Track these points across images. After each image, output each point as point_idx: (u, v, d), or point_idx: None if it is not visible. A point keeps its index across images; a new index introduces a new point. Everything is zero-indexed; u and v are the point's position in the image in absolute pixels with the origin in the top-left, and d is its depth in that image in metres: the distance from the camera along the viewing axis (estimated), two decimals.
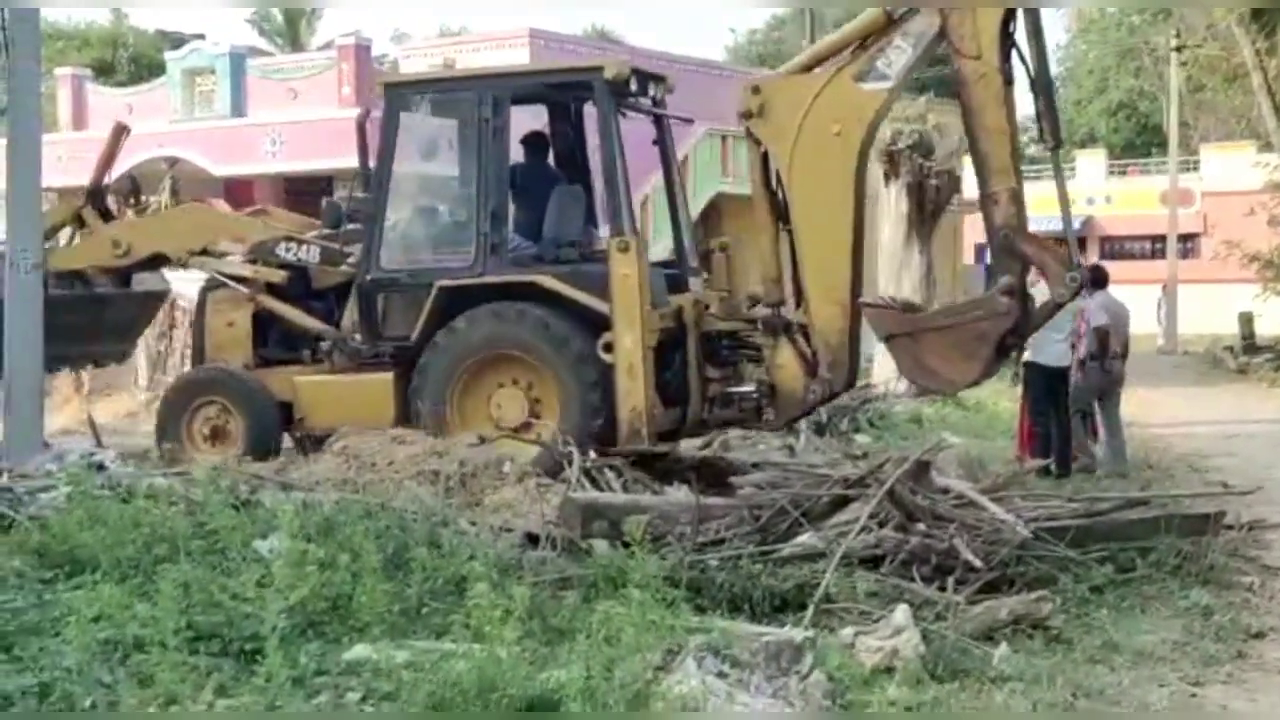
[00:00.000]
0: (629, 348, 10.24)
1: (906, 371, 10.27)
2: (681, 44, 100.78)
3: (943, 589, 7.04)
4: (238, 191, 24.09)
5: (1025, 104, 10.66)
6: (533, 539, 7.79)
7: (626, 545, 6.74)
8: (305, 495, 8.37)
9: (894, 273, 19.80)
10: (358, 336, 11.15)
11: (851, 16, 10.42)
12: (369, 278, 11.05)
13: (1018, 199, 9.34)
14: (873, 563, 7.29)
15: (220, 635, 5.71)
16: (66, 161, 22.25)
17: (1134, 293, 24.16)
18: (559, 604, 6.63)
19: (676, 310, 10.85)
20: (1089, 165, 48.85)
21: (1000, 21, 9.32)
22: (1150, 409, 17.98)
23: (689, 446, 11.28)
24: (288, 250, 11.68)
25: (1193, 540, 8.04)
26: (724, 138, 25.64)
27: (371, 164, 11.27)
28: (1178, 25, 38.23)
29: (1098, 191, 46.98)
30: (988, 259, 39.00)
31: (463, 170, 11.31)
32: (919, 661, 5.98)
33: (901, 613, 6.31)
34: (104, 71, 37.35)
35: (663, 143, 11.69)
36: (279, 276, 11.66)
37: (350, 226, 11.65)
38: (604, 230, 11.12)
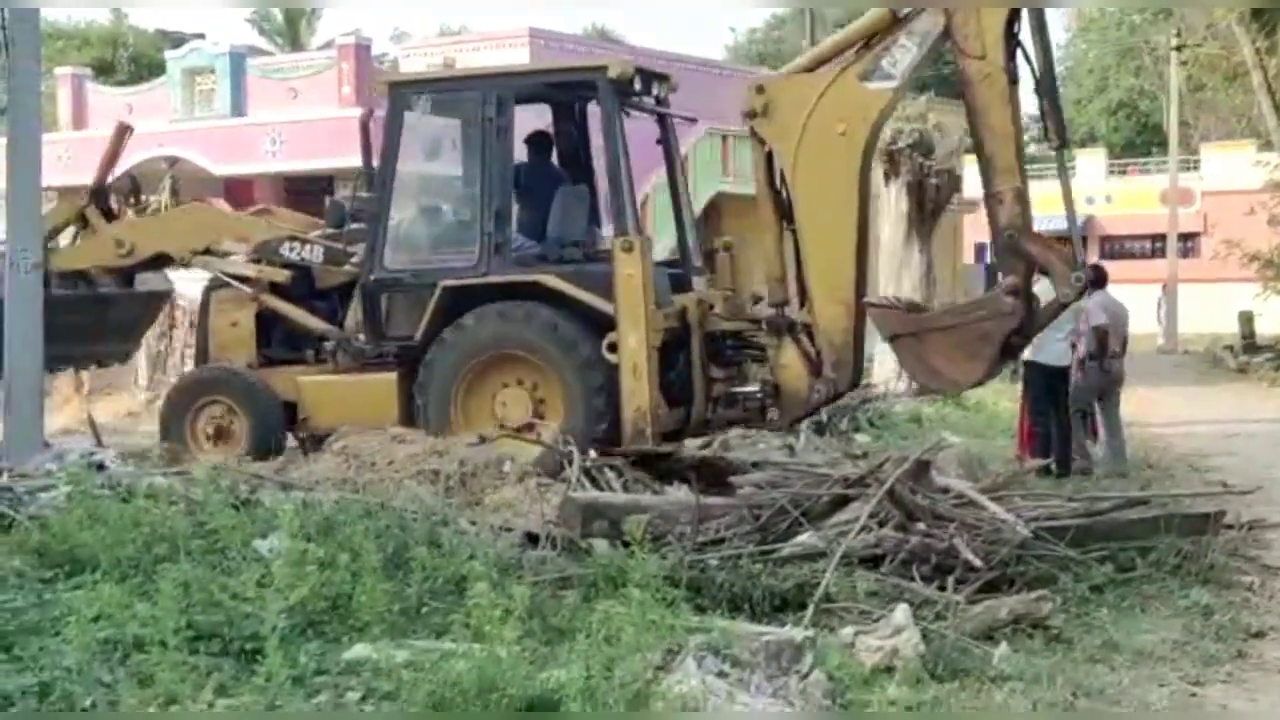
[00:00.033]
0: (633, 348, 10.24)
1: (911, 371, 10.28)
2: (681, 43, 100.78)
3: (943, 588, 7.04)
4: (238, 191, 24.10)
5: (1027, 104, 10.69)
6: (533, 538, 7.78)
7: (626, 545, 6.73)
8: (305, 495, 8.37)
9: (894, 272, 19.81)
10: (361, 336, 11.16)
11: (852, 16, 10.45)
12: (373, 277, 11.05)
13: (1023, 198, 9.34)
14: (873, 562, 7.29)
15: (220, 635, 5.71)
16: (66, 161, 22.29)
17: (1134, 292, 24.20)
18: (559, 603, 6.63)
19: (681, 310, 10.85)
20: (1089, 164, 48.84)
21: (1005, 21, 9.33)
22: (1150, 408, 17.97)
23: (688, 446, 11.27)
24: (291, 250, 11.69)
25: (1193, 540, 8.03)
26: (724, 137, 25.66)
27: (375, 163, 11.26)
28: (1178, 24, 38.24)
29: (1098, 191, 46.96)
30: (988, 258, 39.04)
31: (466, 170, 11.32)
32: (919, 661, 5.98)
33: (901, 612, 6.31)
34: (104, 71, 37.36)
35: (667, 142, 11.69)
36: (283, 276, 11.67)
37: (354, 226, 11.65)
38: (608, 230, 11.12)
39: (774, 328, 10.43)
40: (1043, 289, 9.70)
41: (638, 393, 10.23)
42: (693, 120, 13.18)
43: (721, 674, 5.54)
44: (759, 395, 10.71)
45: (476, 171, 10.89)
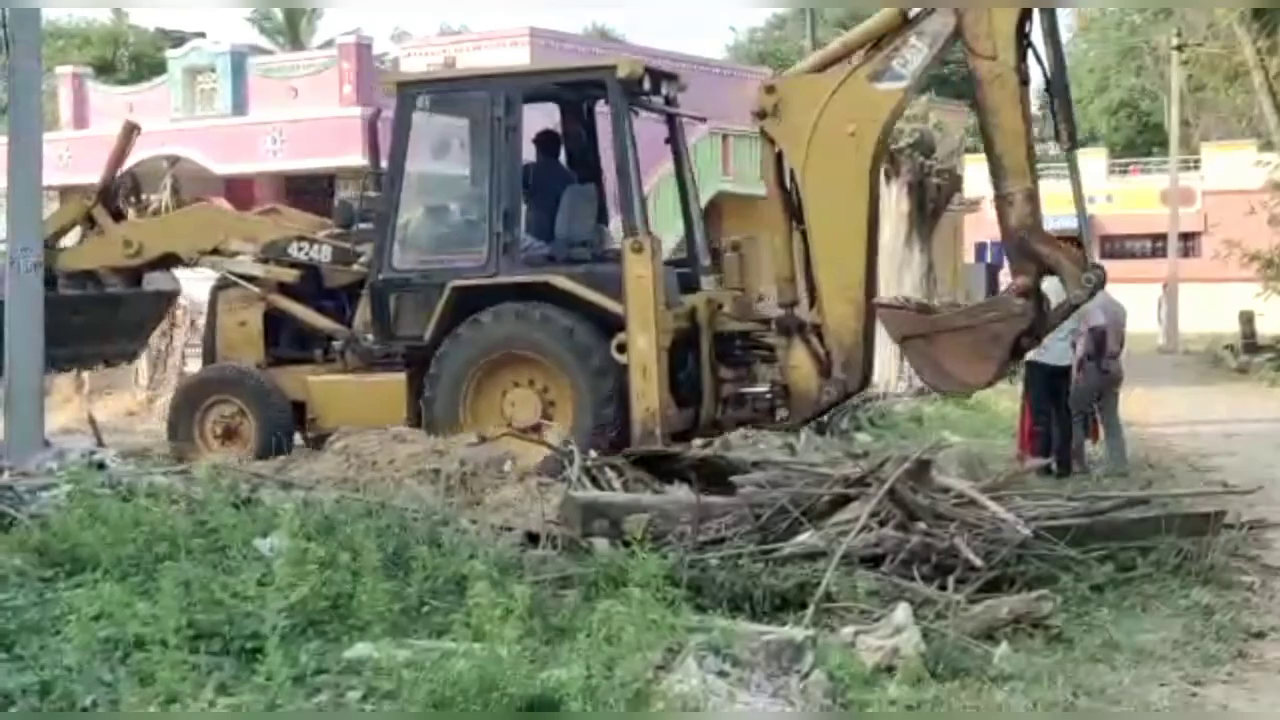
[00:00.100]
0: (643, 348, 10.22)
1: (921, 372, 10.27)
2: (682, 43, 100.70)
3: (943, 588, 7.04)
4: (238, 190, 24.09)
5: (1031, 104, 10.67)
6: (533, 538, 7.79)
7: (627, 544, 6.75)
8: (306, 494, 8.38)
9: (894, 272, 19.78)
10: (370, 336, 11.16)
11: (853, 15, 10.46)
12: (381, 277, 11.03)
13: (1033, 199, 9.34)
14: (873, 561, 7.29)
15: (221, 634, 5.71)
16: (67, 160, 22.28)
17: (1134, 292, 24.20)
18: (559, 603, 6.63)
19: (690, 310, 10.84)
20: (1090, 164, 48.54)
21: (1016, 21, 9.32)
22: (1151, 408, 17.98)
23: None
24: (299, 250, 11.68)
25: (1193, 540, 8.03)
26: (725, 136, 25.63)
27: (383, 163, 11.24)
28: (1179, 24, 38.23)
29: (1098, 190, 46.83)
30: (988, 257, 38.90)
31: (475, 170, 11.29)
32: (919, 660, 5.98)
33: (902, 611, 6.32)
34: (105, 70, 37.35)
35: (675, 142, 11.68)
36: (291, 276, 11.67)
37: (362, 226, 11.64)
38: (617, 229, 11.09)
39: (783, 328, 10.43)
40: (1050, 288, 9.70)
41: (647, 393, 10.22)
42: (702, 120, 13.18)
43: (722, 674, 5.54)
44: (768, 396, 10.70)
45: (485, 171, 10.88)
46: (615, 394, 10.29)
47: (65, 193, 17.63)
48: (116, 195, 12.77)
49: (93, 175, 12.82)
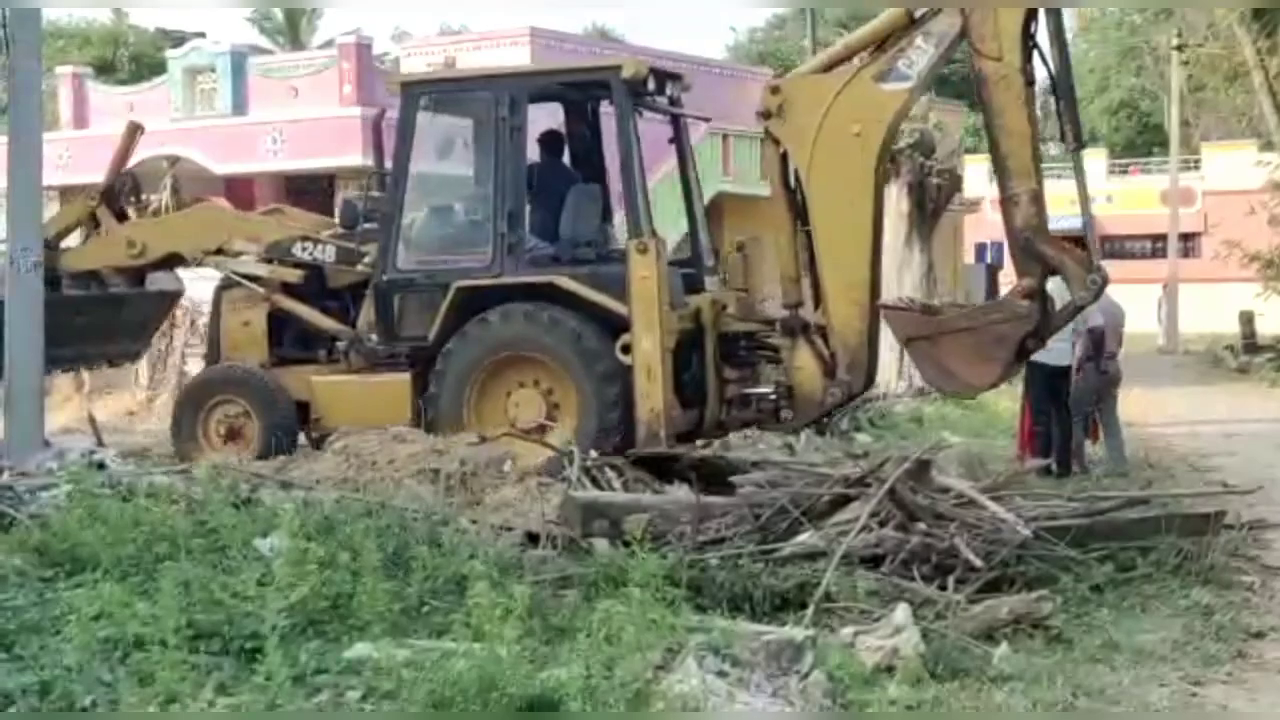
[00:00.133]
0: (647, 350, 10.21)
1: (925, 374, 10.28)
2: (682, 43, 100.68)
3: (943, 588, 7.04)
4: (238, 190, 24.08)
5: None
6: (533, 538, 7.79)
7: (627, 544, 6.75)
8: (306, 494, 8.38)
9: (894, 272, 19.75)
10: (374, 336, 11.15)
11: (854, 15, 10.48)
12: (385, 278, 11.03)
13: (1038, 200, 9.35)
14: (873, 562, 7.29)
15: (220, 634, 5.71)
16: (67, 160, 22.27)
17: (1135, 292, 24.19)
18: (559, 603, 6.63)
19: (694, 311, 10.83)
20: (1090, 164, 48.45)
21: (1022, 22, 9.32)
22: (1150, 408, 17.98)
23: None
24: (303, 250, 11.68)
25: (1193, 540, 8.03)
26: (725, 136, 25.60)
27: (388, 163, 11.23)
28: (1179, 24, 38.21)
29: (1098, 191, 46.61)
30: (988, 258, 38.87)
31: (479, 170, 11.29)
32: (919, 660, 5.98)
33: (902, 612, 6.32)
34: (105, 70, 37.36)
35: (679, 142, 11.67)
36: (295, 276, 11.67)
37: (366, 226, 11.63)
38: (621, 230, 11.08)
39: (788, 329, 10.43)
40: (1054, 289, 9.69)
41: (651, 395, 10.21)
42: (707, 120, 13.16)
43: (722, 674, 5.54)
44: (773, 397, 10.71)
45: (490, 172, 10.87)
46: (621, 399, 10.28)
47: (65, 193, 17.65)
48: (120, 195, 12.78)
49: (93, 175, 12.82)
